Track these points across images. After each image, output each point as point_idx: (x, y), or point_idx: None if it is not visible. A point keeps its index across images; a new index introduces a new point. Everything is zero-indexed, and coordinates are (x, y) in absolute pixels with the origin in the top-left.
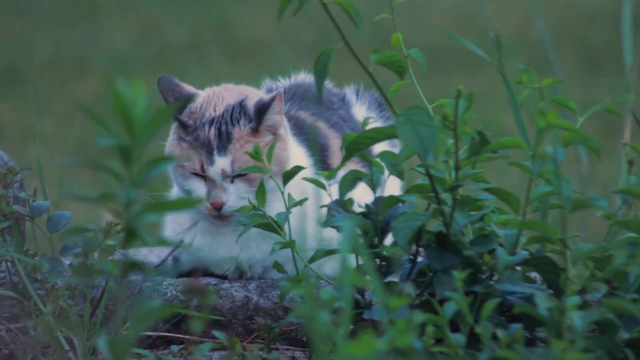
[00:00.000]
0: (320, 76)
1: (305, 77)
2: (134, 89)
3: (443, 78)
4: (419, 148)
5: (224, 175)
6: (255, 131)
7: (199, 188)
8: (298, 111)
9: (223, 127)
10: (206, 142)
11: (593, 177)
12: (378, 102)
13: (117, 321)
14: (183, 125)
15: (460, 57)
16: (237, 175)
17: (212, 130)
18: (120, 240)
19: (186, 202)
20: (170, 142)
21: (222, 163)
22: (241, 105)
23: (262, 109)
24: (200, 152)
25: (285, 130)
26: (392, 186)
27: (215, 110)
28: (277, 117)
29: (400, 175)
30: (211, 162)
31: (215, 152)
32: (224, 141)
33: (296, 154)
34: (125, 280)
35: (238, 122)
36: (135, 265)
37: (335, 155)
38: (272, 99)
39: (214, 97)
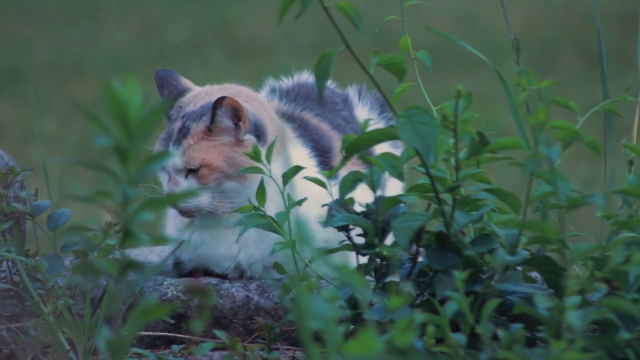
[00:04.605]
0: (321, 79)
1: (308, 77)
2: (130, 88)
3: (444, 78)
4: (419, 147)
5: (176, 169)
6: (209, 130)
7: (164, 181)
8: (302, 112)
9: (187, 122)
10: (170, 135)
11: (594, 178)
12: (380, 103)
13: (116, 320)
14: (168, 118)
15: (461, 58)
16: (190, 171)
17: (179, 124)
18: (119, 239)
19: (177, 196)
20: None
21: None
22: (214, 104)
23: (212, 109)
24: (164, 144)
25: (261, 139)
26: (394, 187)
27: (195, 106)
28: (227, 121)
29: (400, 176)
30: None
31: (171, 144)
32: (181, 135)
33: (299, 154)
34: (123, 280)
35: (199, 119)
36: (132, 265)
37: (339, 157)
38: (214, 101)
39: (202, 94)
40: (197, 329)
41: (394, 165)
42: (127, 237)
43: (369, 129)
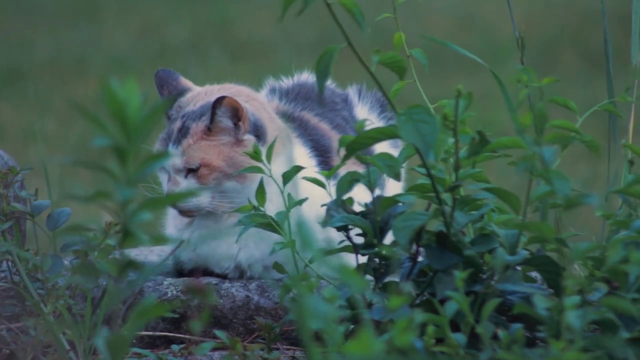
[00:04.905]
0: (321, 76)
1: (308, 77)
2: (128, 88)
3: (443, 78)
4: (420, 145)
5: (176, 169)
6: (209, 130)
7: (163, 180)
8: (302, 112)
9: (187, 122)
10: (170, 134)
11: (595, 178)
12: (380, 103)
13: (116, 320)
14: (168, 118)
15: (461, 57)
16: (190, 171)
17: (179, 124)
18: (119, 239)
19: (177, 196)
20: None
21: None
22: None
23: (212, 109)
24: (163, 144)
25: (260, 139)
26: (394, 187)
27: (194, 106)
28: (227, 121)
29: (396, 176)
30: None
31: (171, 144)
32: (181, 135)
33: (298, 154)
34: (123, 280)
35: (199, 119)
36: (132, 265)
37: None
38: (214, 101)
39: (202, 94)
40: (197, 329)
41: (390, 165)
42: (127, 237)
43: (366, 128)
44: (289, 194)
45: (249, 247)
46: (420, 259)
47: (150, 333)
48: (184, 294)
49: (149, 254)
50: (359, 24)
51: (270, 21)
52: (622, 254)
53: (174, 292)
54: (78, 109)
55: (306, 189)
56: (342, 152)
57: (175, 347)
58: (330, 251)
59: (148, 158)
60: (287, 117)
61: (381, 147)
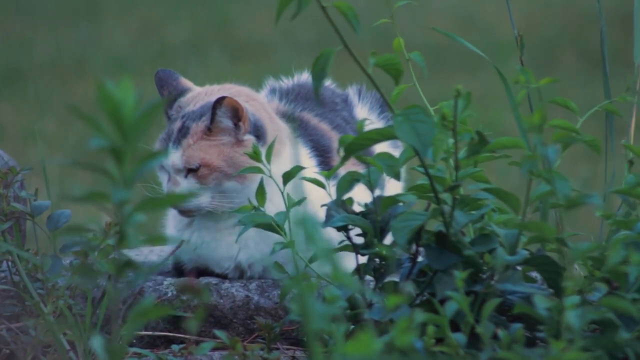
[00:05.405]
0: (318, 78)
1: (308, 78)
2: (123, 87)
3: (444, 78)
4: (417, 145)
5: (176, 169)
6: (209, 130)
7: (163, 181)
8: (302, 112)
9: (187, 122)
10: (170, 135)
11: (595, 178)
12: (380, 103)
13: (115, 321)
14: (168, 118)
15: (462, 57)
16: (190, 171)
17: (179, 124)
18: (117, 240)
19: (177, 197)
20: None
21: (173, 156)
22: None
23: (212, 109)
24: (163, 144)
25: (260, 140)
26: (394, 187)
27: (194, 106)
28: (227, 121)
29: (396, 176)
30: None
31: (170, 144)
32: (181, 135)
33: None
34: (121, 280)
35: (199, 119)
36: (130, 265)
37: (338, 157)
38: (214, 101)
39: (202, 94)
40: (192, 327)
41: (390, 165)
42: (124, 237)
43: (366, 128)
44: (288, 194)
45: (249, 247)
46: (420, 259)
47: (150, 333)
48: (179, 293)
49: (149, 254)
50: (353, 27)
51: (270, 21)
52: (622, 254)
53: (174, 292)
54: (74, 111)
55: (311, 189)
56: (342, 152)
57: (175, 347)
58: (332, 250)
59: (145, 156)
60: (287, 118)
61: (381, 148)
